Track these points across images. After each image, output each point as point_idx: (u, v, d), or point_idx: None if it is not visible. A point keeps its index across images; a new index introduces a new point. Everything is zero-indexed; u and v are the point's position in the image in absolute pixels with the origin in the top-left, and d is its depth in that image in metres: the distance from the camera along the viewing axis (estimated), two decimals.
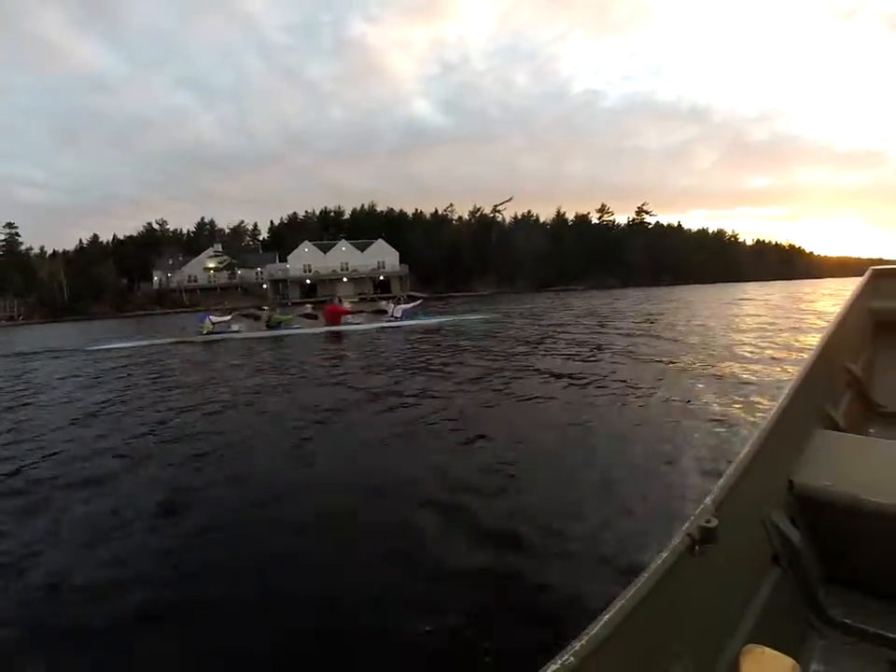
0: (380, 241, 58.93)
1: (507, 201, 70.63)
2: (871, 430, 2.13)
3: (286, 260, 57.23)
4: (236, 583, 2.04)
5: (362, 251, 57.73)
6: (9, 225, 61.53)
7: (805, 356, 1.94)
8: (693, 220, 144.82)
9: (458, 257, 63.73)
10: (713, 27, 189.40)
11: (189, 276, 57.00)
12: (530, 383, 5.54)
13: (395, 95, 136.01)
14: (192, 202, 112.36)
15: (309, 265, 56.54)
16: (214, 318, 13.56)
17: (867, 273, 2.55)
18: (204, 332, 13.04)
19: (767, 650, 0.78)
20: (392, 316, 14.02)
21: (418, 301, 16.80)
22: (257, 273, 56.89)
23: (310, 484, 2.99)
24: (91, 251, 62.69)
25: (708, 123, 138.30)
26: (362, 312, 15.22)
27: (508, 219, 74.66)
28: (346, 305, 14.35)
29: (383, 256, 58.26)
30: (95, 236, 68.09)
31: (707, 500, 1.07)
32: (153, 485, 3.06)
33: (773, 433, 1.37)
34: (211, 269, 56.43)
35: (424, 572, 2.01)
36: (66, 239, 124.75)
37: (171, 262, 57.75)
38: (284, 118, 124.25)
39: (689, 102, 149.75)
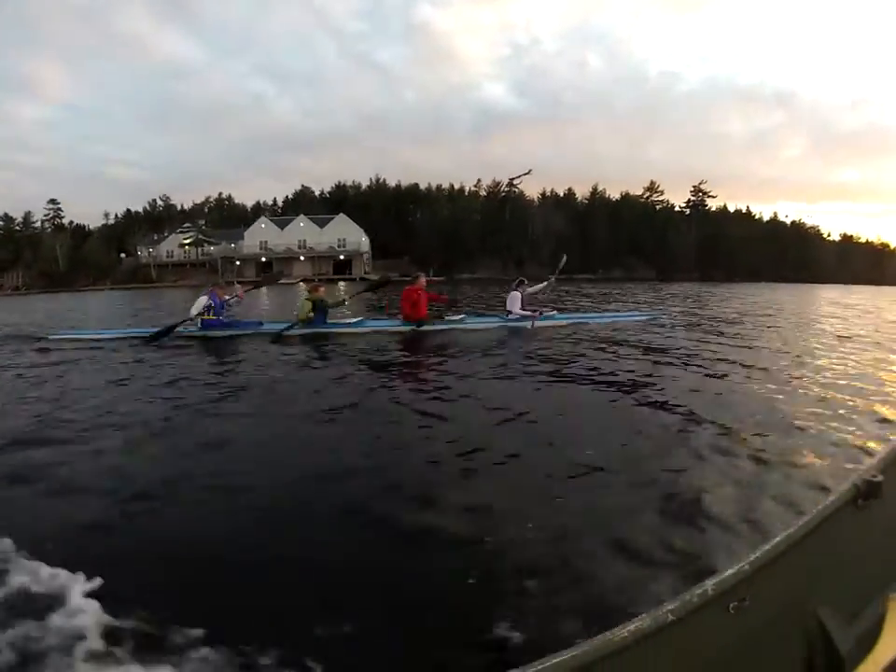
0: (341, 215, 51.81)
1: (525, 174, 59.76)
2: None
3: None
4: None
5: (322, 227, 51.30)
6: (52, 201, 67.50)
7: None
8: (774, 213, 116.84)
9: (458, 236, 55.06)
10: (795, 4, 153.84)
11: (168, 252, 55.47)
12: None
13: (466, 78, 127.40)
14: (274, 179, 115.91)
15: (265, 242, 51.47)
16: (213, 300, 7.08)
17: None
18: (194, 315, 6.95)
19: None
20: (508, 312, 7.92)
21: (545, 283, 8.96)
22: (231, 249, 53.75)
23: None
24: (107, 226, 65.93)
25: (795, 110, 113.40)
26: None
27: (536, 197, 63.88)
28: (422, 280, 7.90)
29: (345, 233, 51.03)
30: (128, 210, 71.18)
31: (876, 457, 1.06)
32: None
33: None
34: (185, 244, 54.64)
35: None
36: None
37: (155, 238, 56.88)
38: (358, 101, 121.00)
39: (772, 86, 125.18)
